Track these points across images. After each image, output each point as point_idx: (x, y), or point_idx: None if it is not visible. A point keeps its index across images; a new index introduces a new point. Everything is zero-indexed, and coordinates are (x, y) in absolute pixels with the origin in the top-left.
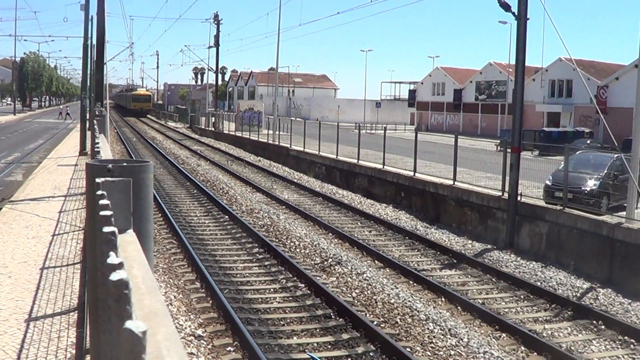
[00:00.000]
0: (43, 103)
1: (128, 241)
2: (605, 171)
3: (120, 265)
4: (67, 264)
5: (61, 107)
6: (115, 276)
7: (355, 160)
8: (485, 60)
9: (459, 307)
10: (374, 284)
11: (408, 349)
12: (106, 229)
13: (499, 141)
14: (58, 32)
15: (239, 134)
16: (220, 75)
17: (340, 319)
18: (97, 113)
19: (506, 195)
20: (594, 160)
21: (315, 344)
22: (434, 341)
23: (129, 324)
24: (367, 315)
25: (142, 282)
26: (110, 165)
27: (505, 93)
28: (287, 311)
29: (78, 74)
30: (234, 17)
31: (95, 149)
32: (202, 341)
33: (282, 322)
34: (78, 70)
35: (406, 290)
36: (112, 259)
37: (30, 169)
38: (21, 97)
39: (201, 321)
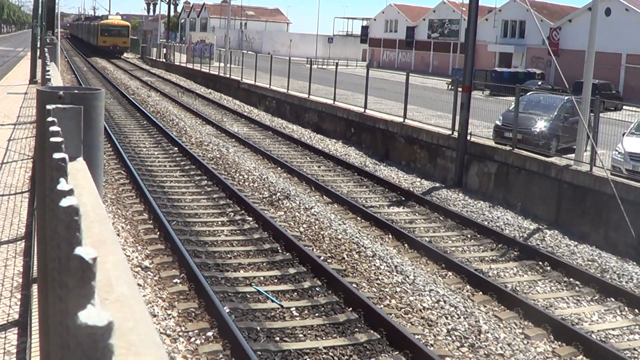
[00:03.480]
0: None
1: (78, 169)
2: (556, 113)
3: (70, 192)
4: (15, 193)
5: None
6: (65, 202)
7: (306, 95)
8: None
9: (405, 245)
10: (321, 219)
11: (354, 285)
12: (57, 155)
13: (450, 80)
14: None
15: (190, 65)
16: (172, 7)
17: (287, 254)
18: (48, 41)
19: (456, 134)
20: (544, 102)
21: (262, 278)
22: (380, 278)
23: (78, 250)
24: (314, 250)
25: (91, 210)
26: (61, 92)
27: (457, 32)
28: (234, 244)
29: (30, 1)
30: None
31: (46, 77)
32: (148, 272)
33: (229, 255)
34: None
35: (354, 226)
36: (63, 185)
37: None
38: None
39: (148, 252)
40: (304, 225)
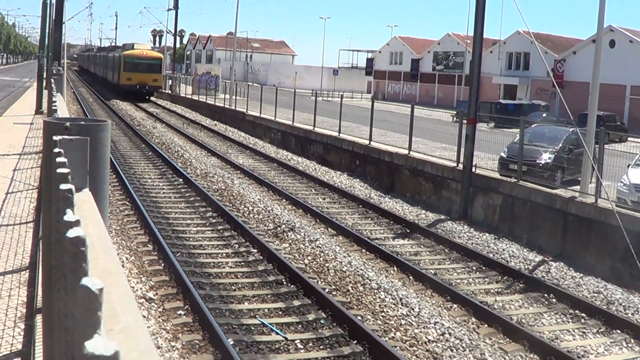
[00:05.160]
0: (0, 61)
1: (84, 200)
2: (560, 145)
3: (77, 223)
4: (20, 223)
5: None
6: (72, 233)
7: (311, 127)
8: (444, 31)
9: (410, 277)
10: (326, 252)
11: (359, 317)
12: (63, 187)
13: (455, 112)
14: None
15: (195, 97)
16: (178, 38)
17: (292, 286)
18: (54, 72)
19: (461, 166)
20: (549, 134)
21: (266, 310)
22: (385, 310)
23: (85, 281)
24: (319, 282)
25: (97, 241)
26: (67, 124)
27: (462, 64)
28: (239, 276)
29: (36, 32)
30: None
31: (53, 107)
32: (153, 304)
33: (233, 287)
34: (36, 28)
35: (358, 258)
36: (69, 216)
37: None
38: None
39: (152, 284)
40: (309, 257)
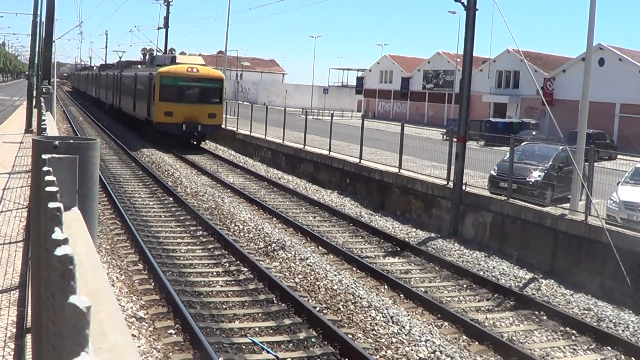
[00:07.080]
0: None
1: (73, 218)
2: (550, 163)
3: (65, 241)
4: (10, 242)
5: None
6: (60, 251)
7: (301, 146)
8: (434, 50)
9: (401, 295)
10: (317, 270)
11: (350, 336)
12: (52, 205)
13: (445, 130)
14: (7, 8)
15: None
16: None
17: (283, 304)
18: (44, 91)
19: (451, 184)
20: (539, 152)
21: (257, 329)
22: (375, 328)
23: (73, 299)
24: (310, 301)
25: (86, 260)
26: (56, 142)
27: (452, 82)
28: (229, 295)
29: (26, 51)
30: None
31: (42, 126)
32: (143, 323)
33: (224, 306)
34: (26, 47)
35: (349, 276)
36: (57, 234)
37: None
38: None
39: (143, 303)
40: (300, 276)
